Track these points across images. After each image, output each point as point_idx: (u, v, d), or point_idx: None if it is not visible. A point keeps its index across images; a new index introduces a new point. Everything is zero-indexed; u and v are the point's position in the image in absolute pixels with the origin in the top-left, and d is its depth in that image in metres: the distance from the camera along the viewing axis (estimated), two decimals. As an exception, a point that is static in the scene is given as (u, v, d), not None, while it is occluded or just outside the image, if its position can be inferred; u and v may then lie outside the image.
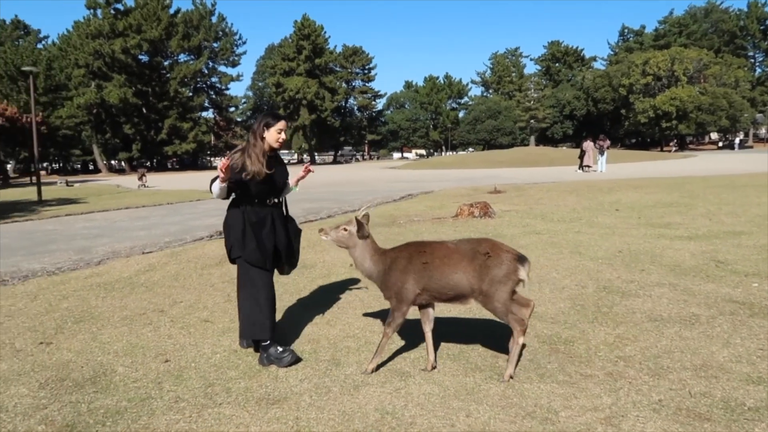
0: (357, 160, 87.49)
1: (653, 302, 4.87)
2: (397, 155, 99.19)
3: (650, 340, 3.98)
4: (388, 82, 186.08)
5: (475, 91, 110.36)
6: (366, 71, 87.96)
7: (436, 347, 3.76)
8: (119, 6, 61.56)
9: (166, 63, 66.27)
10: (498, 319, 3.53)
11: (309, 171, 4.20)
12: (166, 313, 5.09)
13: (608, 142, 28.96)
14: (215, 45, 74.03)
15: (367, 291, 5.50)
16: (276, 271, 4.09)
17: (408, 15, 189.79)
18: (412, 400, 3.17)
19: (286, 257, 4.04)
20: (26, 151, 53.91)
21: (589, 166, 27.80)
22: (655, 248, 7.18)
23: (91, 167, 72.88)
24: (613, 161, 32.23)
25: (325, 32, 76.78)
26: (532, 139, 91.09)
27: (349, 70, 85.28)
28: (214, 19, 73.92)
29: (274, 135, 3.80)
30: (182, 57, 67.98)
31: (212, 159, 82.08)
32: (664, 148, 75.45)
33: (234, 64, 76.97)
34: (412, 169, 45.04)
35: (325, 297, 5.47)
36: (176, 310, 5.15)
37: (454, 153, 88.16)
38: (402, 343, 4.06)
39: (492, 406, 3.08)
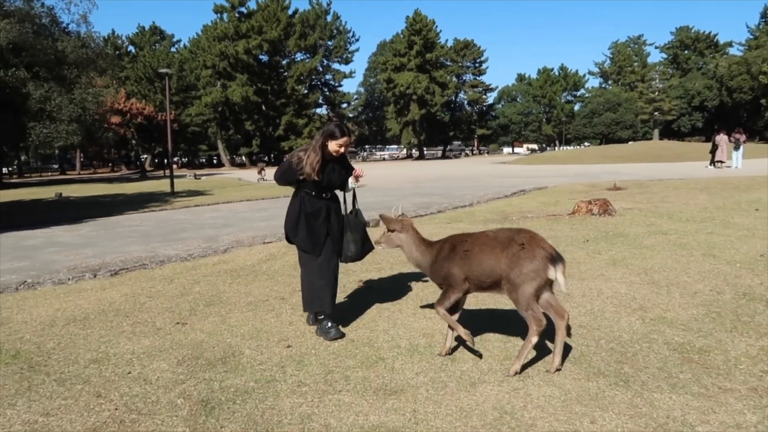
0: (466, 155, 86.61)
1: (804, 313, 4.38)
2: (507, 150, 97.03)
3: (802, 356, 3.58)
4: (499, 75, 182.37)
5: (593, 82, 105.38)
6: (477, 65, 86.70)
7: (564, 352, 3.63)
8: (243, 9, 65.34)
9: (284, 62, 69.38)
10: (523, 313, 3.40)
11: (358, 176, 4.47)
12: (286, 300, 5.34)
13: (745, 136, 26.34)
14: (330, 43, 76.43)
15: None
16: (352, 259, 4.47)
17: (522, 6, 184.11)
18: (532, 402, 3.08)
19: (339, 246, 4.38)
20: (160, 146, 58.89)
21: (722, 162, 25.44)
22: (804, 253, 6.44)
23: (215, 161, 78.22)
24: (750, 156, 29.35)
25: (436, 27, 76.58)
26: (656, 132, 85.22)
27: (460, 64, 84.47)
28: (329, 18, 76.35)
29: (334, 147, 4.18)
30: (299, 56, 70.86)
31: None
32: (812, 142, 67.50)
33: (347, 62, 79.07)
34: (524, 164, 43.87)
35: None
36: (296, 299, 5.38)
37: (568, 148, 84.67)
38: (519, 342, 3.96)
39: (619, 414, 2.91)
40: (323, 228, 4.28)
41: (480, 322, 4.42)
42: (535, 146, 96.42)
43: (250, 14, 65.15)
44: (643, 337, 4.01)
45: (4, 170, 60.25)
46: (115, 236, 10.70)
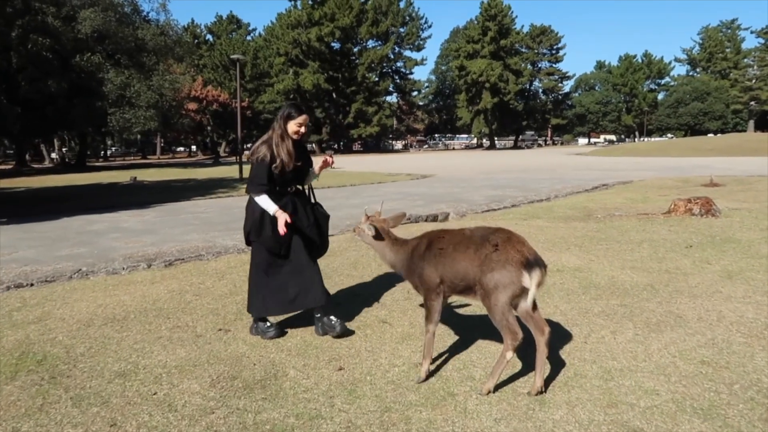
0: (539, 145, 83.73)
1: None
2: (583, 141, 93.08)
3: None
4: (577, 62, 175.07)
5: (679, 70, 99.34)
6: (554, 51, 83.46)
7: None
8: (316, -4, 65.54)
9: (355, 49, 69.17)
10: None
11: (328, 164, 4.13)
12: (343, 307, 4.71)
13: None
14: (402, 30, 75.52)
15: (570, 310, 4.59)
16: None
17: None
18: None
19: (310, 242, 4.09)
20: (234, 132, 60.21)
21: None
22: None
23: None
24: None
25: (512, 12, 74.19)
26: (751, 123, 79.26)
27: (536, 51, 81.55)
28: (401, 5, 75.38)
29: (293, 128, 3.88)
30: (370, 43, 70.42)
31: (393, 142, 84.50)
32: None
33: (419, 49, 77.97)
34: (602, 155, 41.63)
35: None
36: (353, 305, 4.76)
37: (650, 139, 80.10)
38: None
39: None
40: (290, 226, 3.87)
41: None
42: (612, 137, 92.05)
43: (323, 1, 65.26)
44: (792, 384, 3.09)
45: (90, 154, 63.51)
46: (177, 223, 10.49)
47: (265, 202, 3.86)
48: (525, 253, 2.93)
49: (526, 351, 3.31)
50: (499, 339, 3.62)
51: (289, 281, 4.00)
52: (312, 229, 4.10)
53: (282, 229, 3.76)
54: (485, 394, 3.03)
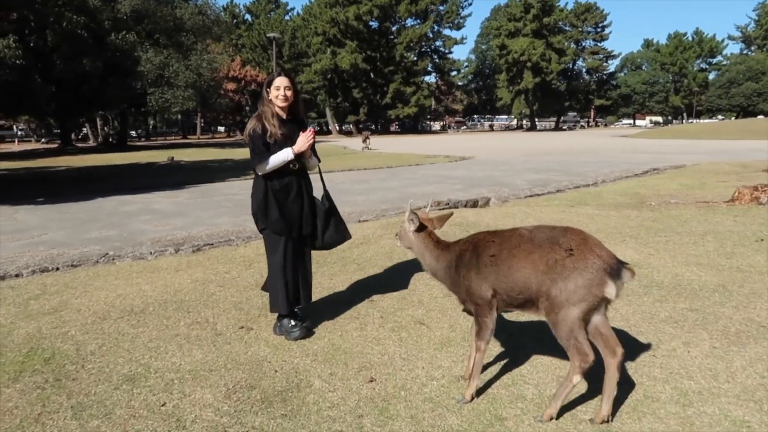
0: (582, 126, 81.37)
1: None
2: (627, 122, 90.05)
3: None
4: (623, 41, 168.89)
5: (732, 48, 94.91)
6: (599, 30, 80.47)
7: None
8: (355, -26, 64.47)
9: (393, 28, 68.02)
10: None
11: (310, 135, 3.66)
12: (376, 304, 4.31)
13: None
14: (441, 8, 73.84)
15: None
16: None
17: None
18: None
19: (314, 229, 3.81)
20: (272, 113, 60.28)
21: None
22: None
23: (324, 129, 79.25)
24: None
25: (556, -12, 71.72)
26: (808, 105, 75.11)
27: (580, 29, 78.77)
28: (441, -18, 73.68)
29: (273, 93, 3.62)
30: (409, 21, 69.10)
31: (431, 123, 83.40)
32: None
33: (458, 27, 76.11)
34: (649, 138, 39.99)
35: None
36: (387, 302, 4.34)
37: (698, 121, 76.88)
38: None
39: None
40: (296, 205, 3.71)
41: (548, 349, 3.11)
42: (659, 119, 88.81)
43: (361, -21, 64.20)
44: None
45: (132, 133, 64.70)
46: (209, 205, 10.26)
47: (274, 159, 3.58)
48: (606, 257, 2.45)
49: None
50: (555, 348, 3.16)
51: (303, 271, 3.80)
52: (307, 216, 3.77)
53: (305, 145, 3.60)
54: (547, 420, 2.58)
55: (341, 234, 3.94)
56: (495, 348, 3.41)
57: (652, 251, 5.68)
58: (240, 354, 3.45)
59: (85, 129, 56.93)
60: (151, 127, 73.29)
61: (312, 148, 3.75)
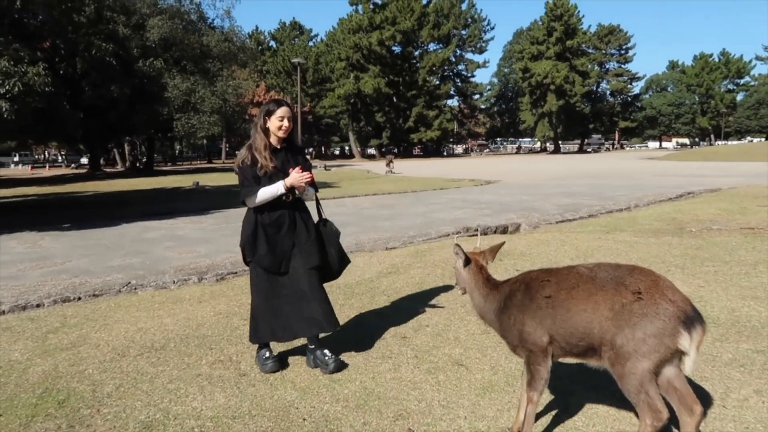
0: (607, 149, 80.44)
1: None
2: (653, 144, 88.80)
3: None
4: (648, 62, 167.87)
5: (760, 69, 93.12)
6: (623, 52, 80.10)
7: None
8: (377, 0, 65.35)
9: (416, 53, 68.54)
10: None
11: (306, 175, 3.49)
12: (409, 341, 4.03)
13: None
14: (464, 32, 74.40)
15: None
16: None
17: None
18: None
19: (315, 259, 3.59)
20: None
21: None
22: None
23: (346, 153, 79.62)
24: None
25: (578, 12, 71.70)
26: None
27: (604, 52, 78.46)
28: (464, 7, 74.33)
29: (275, 123, 3.48)
30: (432, 46, 69.61)
31: (454, 146, 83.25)
32: None
33: (481, 51, 76.60)
34: (677, 160, 39.23)
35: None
36: (421, 339, 4.06)
37: (726, 143, 75.43)
38: None
39: None
40: (287, 240, 3.52)
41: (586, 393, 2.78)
42: (686, 140, 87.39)
43: (384, 5, 65.03)
44: None
45: (158, 158, 65.64)
46: (234, 231, 10.08)
47: (264, 193, 3.44)
48: (680, 303, 2.15)
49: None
50: (612, 397, 2.84)
51: (292, 305, 3.54)
52: (311, 247, 3.58)
53: (300, 182, 3.41)
54: None
55: (345, 261, 3.86)
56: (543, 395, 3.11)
57: (701, 283, 5.31)
58: (265, 398, 3.20)
59: (113, 154, 57.97)
60: (177, 151, 74.38)
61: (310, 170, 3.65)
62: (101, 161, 50.54)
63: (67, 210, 15.61)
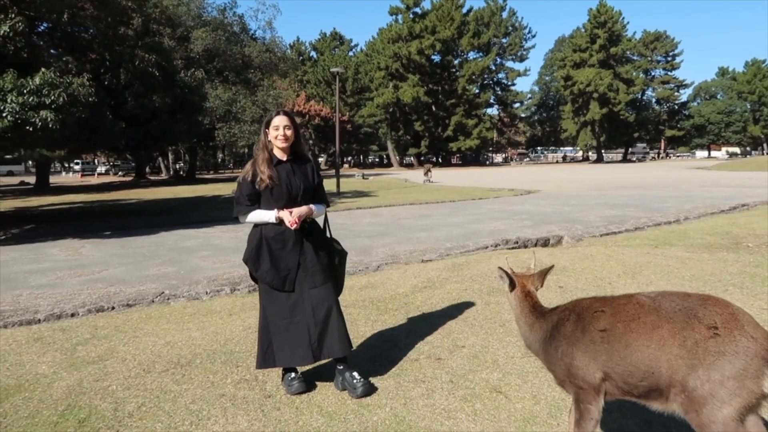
0: (653, 158, 78.22)
1: None
2: (701, 153, 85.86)
3: None
4: (696, 69, 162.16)
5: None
6: (669, 58, 77.87)
7: None
8: (417, 10, 65.41)
9: (456, 61, 68.20)
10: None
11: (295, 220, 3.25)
12: (444, 363, 3.80)
13: None
14: (504, 41, 73.74)
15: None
16: None
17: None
18: None
19: (323, 278, 3.40)
20: (335, 146, 61.27)
21: None
22: None
23: (385, 161, 79.69)
24: None
25: (623, 18, 70.08)
26: None
27: (649, 59, 76.48)
28: (504, 15, 73.73)
29: (272, 134, 3.37)
30: (471, 54, 69.14)
31: (493, 155, 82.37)
32: None
33: (522, 59, 75.74)
34: (728, 170, 37.67)
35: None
36: (457, 361, 3.82)
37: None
38: None
39: None
40: (292, 257, 3.35)
41: None
42: (736, 149, 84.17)
43: (424, 14, 65.01)
44: None
45: (200, 165, 66.96)
46: (269, 241, 10.09)
47: (256, 216, 3.36)
48: (763, 340, 1.88)
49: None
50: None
51: (301, 327, 3.36)
52: (316, 266, 3.40)
53: (292, 221, 3.20)
54: None
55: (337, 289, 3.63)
56: (590, 430, 2.83)
57: (763, 305, 4.90)
58: (290, 423, 3.02)
59: (158, 162, 59.51)
60: (219, 160, 75.85)
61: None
62: (146, 169, 51.89)
63: (110, 218, 15.93)
